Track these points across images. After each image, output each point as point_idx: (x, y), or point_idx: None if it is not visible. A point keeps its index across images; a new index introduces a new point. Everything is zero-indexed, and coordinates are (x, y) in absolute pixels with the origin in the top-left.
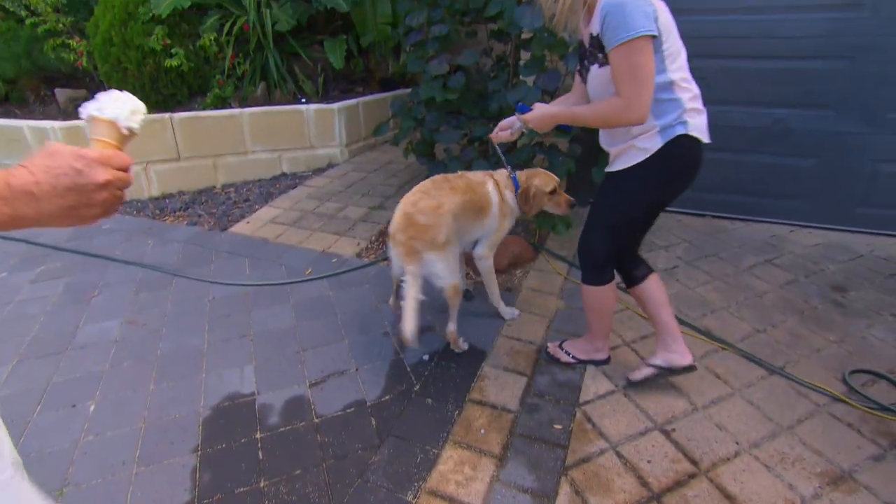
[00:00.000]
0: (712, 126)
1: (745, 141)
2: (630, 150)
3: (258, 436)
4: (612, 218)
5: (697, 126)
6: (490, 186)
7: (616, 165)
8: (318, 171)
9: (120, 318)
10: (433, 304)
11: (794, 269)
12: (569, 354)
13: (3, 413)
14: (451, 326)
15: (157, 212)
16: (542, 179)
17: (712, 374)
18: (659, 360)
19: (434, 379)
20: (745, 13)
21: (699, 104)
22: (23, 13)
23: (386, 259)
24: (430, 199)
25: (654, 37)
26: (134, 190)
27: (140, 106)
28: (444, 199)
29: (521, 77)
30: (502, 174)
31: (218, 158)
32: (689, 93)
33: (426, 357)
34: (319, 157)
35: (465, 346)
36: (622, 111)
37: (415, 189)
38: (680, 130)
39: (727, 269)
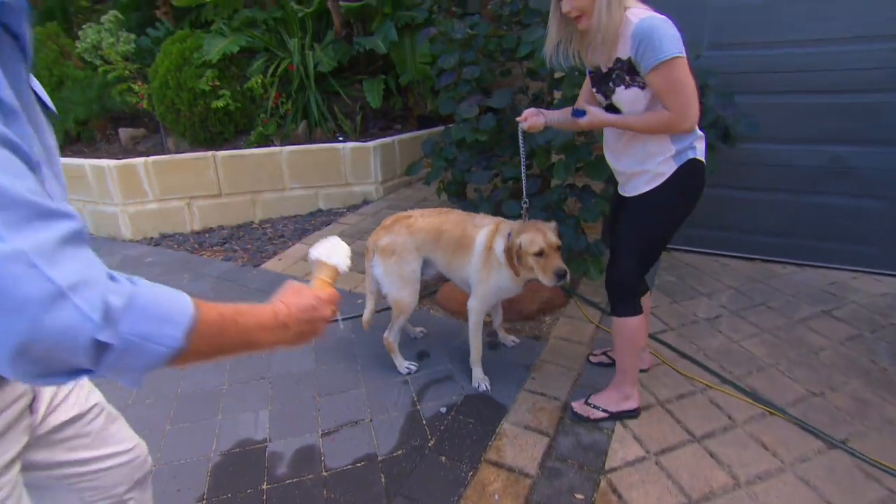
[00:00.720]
0: (762, 165)
1: (800, 180)
2: (644, 175)
3: (264, 486)
4: (640, 243)
5: (702, 151)
6: (482, 233)
7: (631, 190)
8: (353, 208)
9: None
10: (451, 353)
11: (857, 321)
12: (598, 408)
13: None
14: (385, 333)
15: (197, 246)
16: (530, 237)
17: (758, 444)
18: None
19: (450, 434)
20: (800, 46)
21: (701, 131)
22: (98, 62)
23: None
24: (407, 213)
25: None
26: (177, 224)
27: (348, 249)
28: (419, 217)
29: None
30: (510, 225)
31: (257, 195)
32: None
33: (443, 410)
34: (355, 194)
35: (405, 370)
36: (675, 122)
37: None
38: (691, 155)
39: (778, 321)
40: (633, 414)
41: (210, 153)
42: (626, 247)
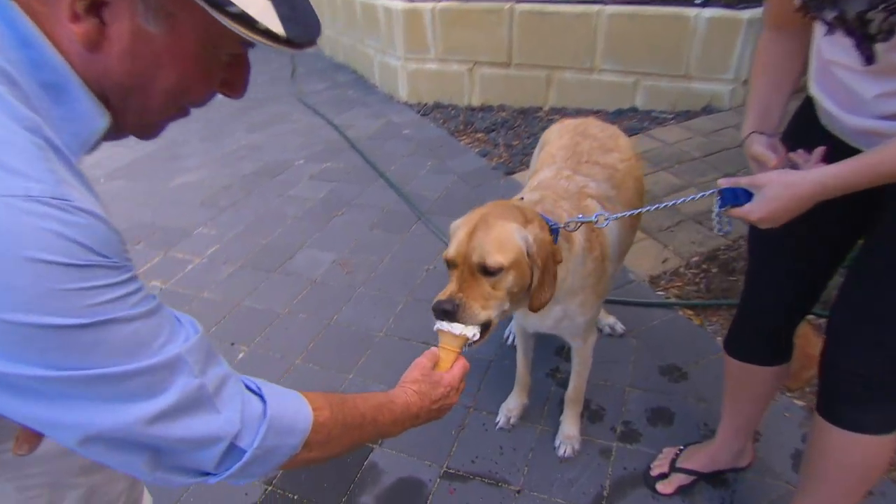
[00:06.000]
0: None
1: None
2: None
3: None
4: None
5: None
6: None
7: None
8: (682, 116)
9: (339, 252)
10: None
11: None
12: None
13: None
14: None
15: (462, 126)
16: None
17: None
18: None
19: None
20: None
21: None
22: None
23: (693, 307)
24: None
25: None
26: (454, 93)
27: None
28: None
29: None
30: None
31: (554, 71)
32: None
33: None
34: (695, 93)
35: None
36: None
37: None
38: None
39: None
40: None
41: (507, 4)
42: None
